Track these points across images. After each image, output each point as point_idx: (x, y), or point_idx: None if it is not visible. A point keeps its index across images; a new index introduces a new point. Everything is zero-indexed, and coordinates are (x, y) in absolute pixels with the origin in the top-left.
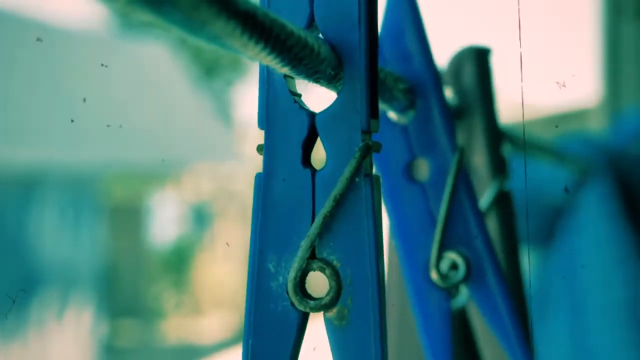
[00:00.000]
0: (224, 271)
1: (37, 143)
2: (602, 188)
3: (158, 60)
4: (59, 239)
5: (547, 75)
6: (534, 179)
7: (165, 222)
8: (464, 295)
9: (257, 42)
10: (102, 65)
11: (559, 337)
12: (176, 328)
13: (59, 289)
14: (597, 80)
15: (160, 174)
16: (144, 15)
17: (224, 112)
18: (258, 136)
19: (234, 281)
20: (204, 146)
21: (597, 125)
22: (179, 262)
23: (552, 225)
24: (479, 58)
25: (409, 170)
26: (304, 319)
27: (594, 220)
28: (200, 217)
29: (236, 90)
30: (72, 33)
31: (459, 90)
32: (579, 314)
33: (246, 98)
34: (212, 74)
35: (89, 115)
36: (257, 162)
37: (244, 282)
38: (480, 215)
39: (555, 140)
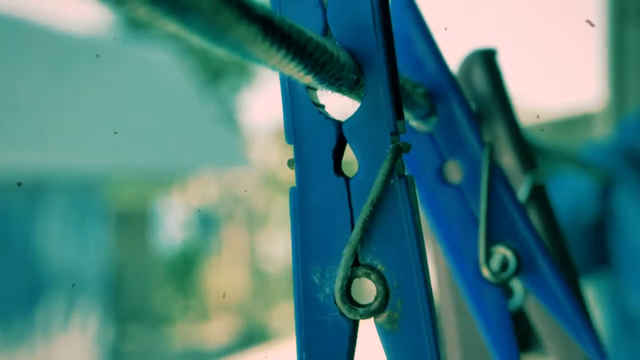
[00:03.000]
0: (230, 276)
1: (43, 149)
2: (631, 189)
3: (165, 66)
4: (65, 244)
5: (553, 81)
6: (563, 202)
7: (171, 227)
8: (519, 294)
9: (279, 48)
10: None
11: None
12: (182, 333)
13: (65, 294)
14: (603, 84)
15: (166, 179)
16: (167, 24)
17: (229, 117)
18: (264, 141)
19: (241, 286)
20: (209, 151)
21: (603, 129)
22: (185, 267)
23: (597, 241)
24: (487, 60)
25: (441, 174)
26: (354, 328)
27: (637, 219)
28: (207, 222)
29: (242, 95)
30: (79, 39)
31: (473, 94)
32: None
33: (252, 104)
34: (219, 79)
35: (94, 120)
36: (262, 167)
37: (250, 286)
38: (520, 206)
39: (574, 151)
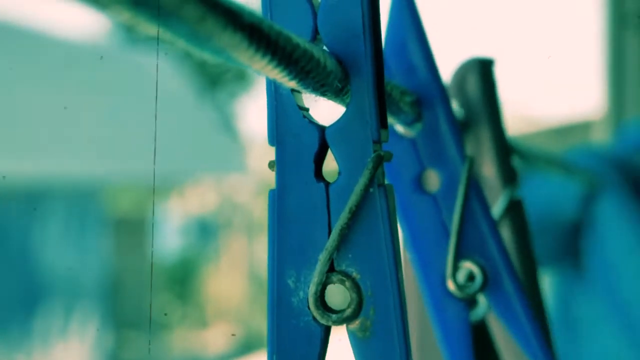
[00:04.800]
0: (228, 283)
1: (41, 156)
2: (616, 198)
3: (162, 72)
4: (63, 251)
5: (553, 88)
6: (543, 197)
7: (169, 234)
8: (482, 305)
9: (263, 55)
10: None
11: (611, 355)
12: (181, 340)
13: (63, 301)
14: (602, 91)
15: (164, 186)
16: (150, 28)
17: (227, 124)
18: (262, 148)
19: (239, 293)
20: (208, 158)
21: (601, 137)
22: (183, 274)
23: (571, 243)
24: (483, 69)
25: (419, 182)
26: (326, 333)
27: (617, 230)
28: (205, 229)
29: (240, 102)
30: (76, 45)
31: (464, 102)
32: (629, 326)
33: (250, 110)
34: (216, 86)
35: (92, 127)
36: (261, 174)
37: (248, 294)
38: (493, 223)
39: (563, 154)
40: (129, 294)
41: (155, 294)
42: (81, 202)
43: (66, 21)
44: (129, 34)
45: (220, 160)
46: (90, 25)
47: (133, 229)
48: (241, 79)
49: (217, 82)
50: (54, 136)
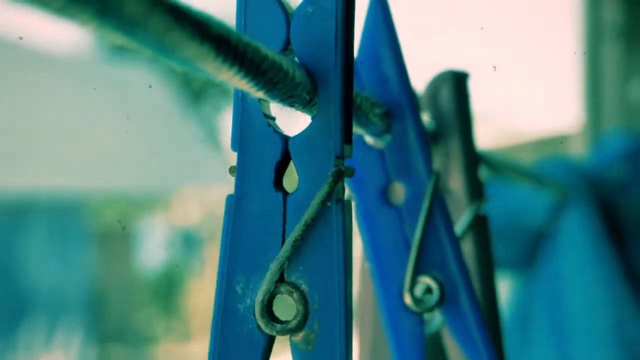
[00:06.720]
0: (212, 296)
1: (26, 169)
2: (582, 211)
3: (147, 86)
4: (47, 264)
5: (531, 101)
6: (513, 203)
7: (154, 247)
8: (438, 320)
9: (231, 66)
10: (93, 89)
11: None
12: (165, 353)
13: (47, 315)
14: (579, 104)
15: (149, 199)
16: (116, 38)
17: (212, 137)
18: None
19: None
20: (192, 171)
21: (579, 150)
22: (168, 287)
23: (532, 249)
24: (456, 82)
25: (384, 194)
26: (269, 343)
27: (576, 243)
28: (189, 242)
29: (224, 115)
30: (60, 58)
31: (436, 114)
32: (565, 338)
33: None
34: (200, 99)
35: (76, 140)
36: None
37: None
38: (455, 240)
39: (534, 165)
40: (112, 308)
41: (140, 308)
42: (65, 215)
43: (51, 36)
44: (113, 46)
45: (204, 173)
46: (76, 40)
47: (117, 243)
48: (225, 92)
49: (201, 95)
50: (37, 150)
